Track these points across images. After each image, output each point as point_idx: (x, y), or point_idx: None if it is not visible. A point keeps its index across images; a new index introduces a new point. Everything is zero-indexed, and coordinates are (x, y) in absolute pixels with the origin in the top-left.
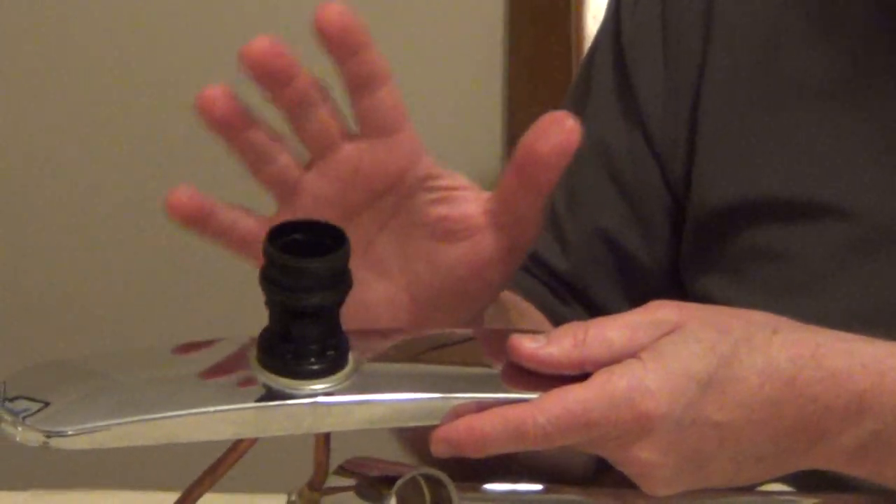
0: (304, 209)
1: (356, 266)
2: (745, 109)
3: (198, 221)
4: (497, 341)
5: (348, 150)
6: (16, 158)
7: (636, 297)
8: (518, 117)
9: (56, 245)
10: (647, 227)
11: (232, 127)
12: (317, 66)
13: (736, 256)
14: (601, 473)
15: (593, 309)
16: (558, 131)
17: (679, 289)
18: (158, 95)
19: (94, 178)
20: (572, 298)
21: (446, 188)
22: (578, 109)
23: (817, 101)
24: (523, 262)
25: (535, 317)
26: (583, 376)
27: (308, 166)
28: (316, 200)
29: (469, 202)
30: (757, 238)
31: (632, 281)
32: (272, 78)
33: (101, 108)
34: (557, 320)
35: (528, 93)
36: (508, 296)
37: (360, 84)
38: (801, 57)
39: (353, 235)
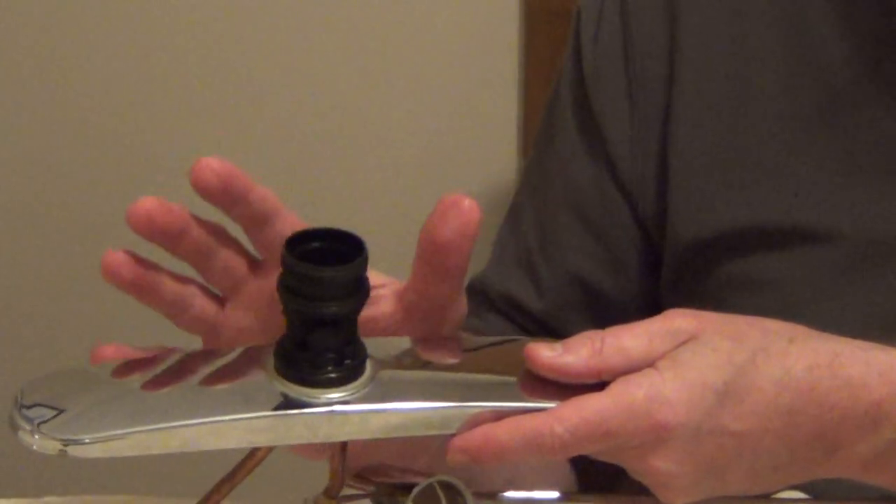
0: (230, 342)
1: None
2: (716, 140)
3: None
4: (514, 350)
5: (258, 280)
6: (16, 158)
7: None
8: (533, 121)
9: (64, 249)
10: (619, 266)
11: (141, 288)
12: (317, 67)
13: (716, 288)
14: (618, 481)
15: None
16: (456, 214)
17: None
18: (160, 95)
19: (97, 178)
20: (544, 333)
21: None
22: (547, 149)
23: (787, 126)
24: (496, 303)
25: None
26: (599, 385)
27: (223, 302)
28: (240, 332)
29: (385, 300)
30: (736, 268)
31: (606, 320)
32: (163, 235)
33: (102, 108)
34: None
35: (543, 97)
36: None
37: (254, 223)
38: (770, 84)
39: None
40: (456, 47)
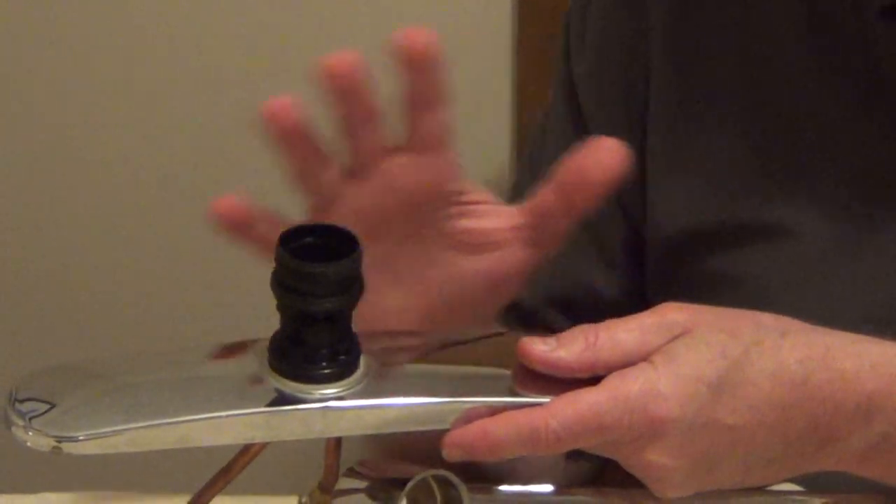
0: (339, 218)
1: (373, 272)
2: (690, 136)
3: (241, 229)
4: (508, 344)
5: (390, 164)
6: (17, 158)
7: None
8: (526, 117)
9: (62, 246)
10: (611, 263)
11: (290, 139)
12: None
13: (693, 284)
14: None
15: None
16: (610, 155)
17: None
18: (166, 94)
19: (100, 176)
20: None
21: (473, 202)
22: (540, 149)
23: (760, 123)
24: None
25: None
26: (593, 379)
27: (348, 175)
28: (351, 211)
29: (494, 217)
30: (712, 264)
31: (597, 316)
32: (345, 94)
33: (103, 107)
34: None
35: (536, 93)
36: None
37: (422, 101)
38: (741, 82)
39: (377, 243)
40: (449, 43)
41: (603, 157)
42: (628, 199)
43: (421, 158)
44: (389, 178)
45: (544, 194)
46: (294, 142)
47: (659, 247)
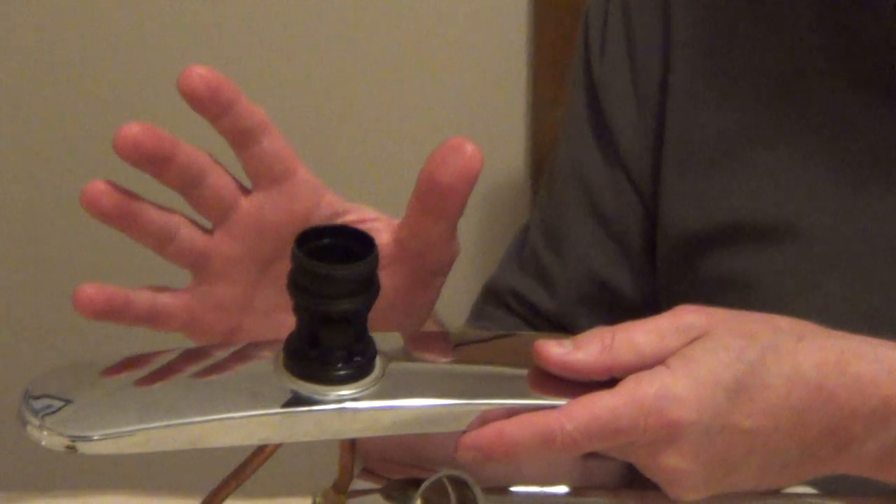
0: (218, 273)
1: (277, 308)
2: (704, 137)
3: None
4: (524, 346)
5: (247, 206)
6: (17, 158)
7: None
8: (542, 116)
9: (75, 244)
10: (633, 263)
11: (123, 218)
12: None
13: (702, 285)
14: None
15: None
16: (458, 158)
17: None
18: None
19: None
20: (555, 332)
21: (354, 223)
22: (563, 151)
23: (771, 124)
24: (508, 302)
25: None
26: (610, 382)
27: (212, 230)
28: (228, 262)
29: (378, 233)
30: (721, 265)
31: (618, 317)
32: (151, 160)
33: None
34: None
35: (551, 92)
36: None
37: (241, 139)
38: (755, 84)
39: (269, 286)
40: (464, 42)
41: (452, 162)
42: (650, 201)
43: (273, 192)
44: (251, 220)
45: (411, 205)
46: (125, 220)
47: (669, 248)
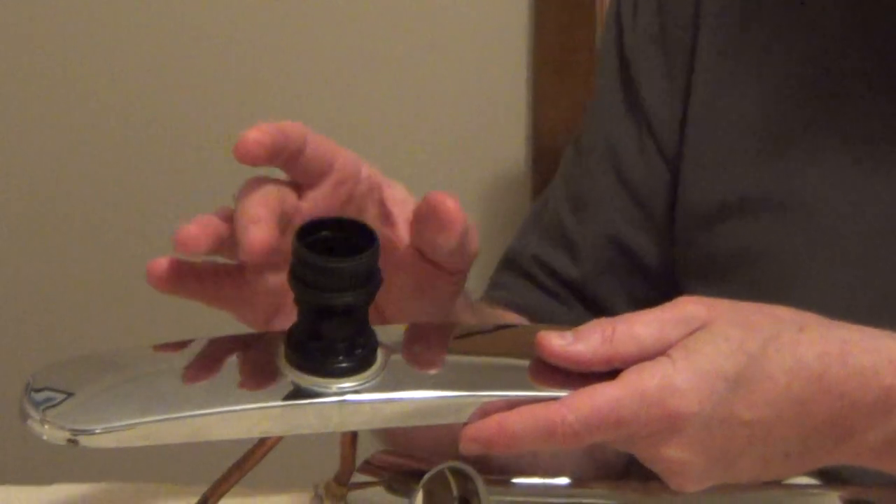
0: (273, 264)
1: None
2: (727, 111)
3: (182, 287)
4: (525, 338)
5: (304, 207)
6: (18, 158)
7: (642, 301)
8: (542, 112)
9: (77, 238)
10: (657, 231)
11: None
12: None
13: (717, 257)
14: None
15: (599, 312)
16: (440, 219)
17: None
18: (161, 96)
19: (102, 173)
20: (578, 302)
21: (383, 201)
22: (591, 119)
23: (795, 101)
24: (529, 270)
25: None
26: (611, 373)
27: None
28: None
29: (394, 226)
30: (737, 237)
31: (640, 285)
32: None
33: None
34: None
35: (552, 84)
36: (489, 310)
37: (287, 161)
38: (783, 60)
39: None
40: (465, 39)
41: (434, 224)
42: (676, 171)
43: (320, 186)
44: (306, 216)
45: (410, 240)
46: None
47: (686, 218)
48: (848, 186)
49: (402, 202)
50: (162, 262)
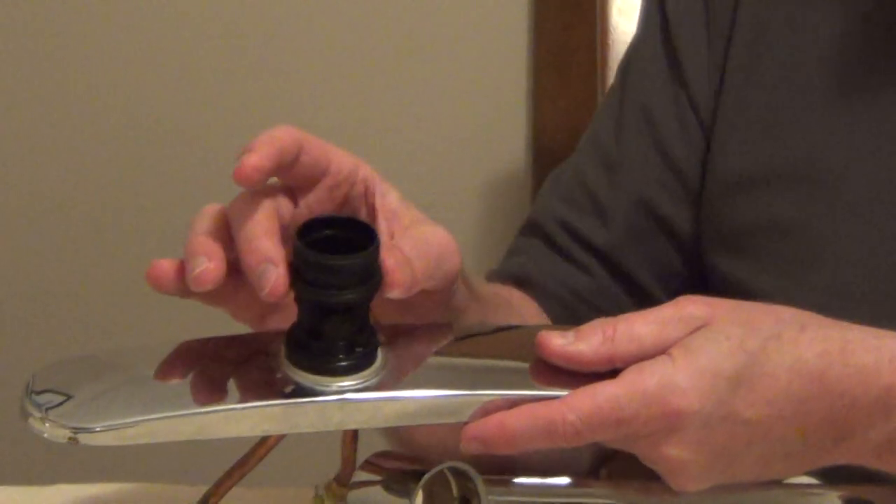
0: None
1: None
2: (761, 81)
3: (181, 290)
4: (525, 337)
5: (299, 212)
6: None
7: (666, 272)
8: (543, 111)
9: (76, 239)
10: (690, 196)
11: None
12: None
13: (745, 230)
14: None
15: (622, 279)
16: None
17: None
18: (162, 96)
19: (102, 174)
20: (601, 269)
21: (377, 207)
22: (623, 89)
23: (831, 77)
24: (554, 236)
25: (528, 311)
26: (612, 372)
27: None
28: None
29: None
30: (764, 209)
31: (667, 254)
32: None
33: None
34: (578, 296)
35: (552, 84)
36: (494, 291)
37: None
38: (814, 34)
39: None
40: (465, 38)
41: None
42: (711, 139)
43: (315, 190)
44: (303, 219)
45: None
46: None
47: (716, 188)
48: (879, 161)
49: (391, 213)
50: (162, 265)
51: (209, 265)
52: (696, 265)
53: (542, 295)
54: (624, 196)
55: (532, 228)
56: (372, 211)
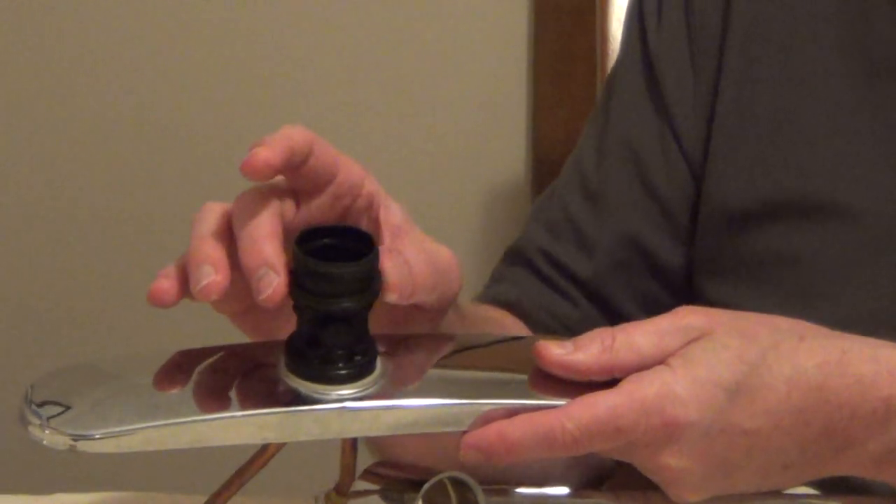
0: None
1: None
2: (759, 111)
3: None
4: (524, 347)
5: (300, 219)
6: (19, 158)
7: (651, 302)
8: (542, 117)
9: (75, 245)
10: (676, 231)
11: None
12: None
13: (749, 260)
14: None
15: (607, 311)
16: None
17: (692, 293)
18: (162, 96)
19: (102, 178)
20: (585, 299)
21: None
22: (606, 117)
23: (831, 101)
24: (537, 265)
25: (520, 332)
26: (610, 382)
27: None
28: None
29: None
30: (770, 241)
31: (652, 286)
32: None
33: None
34: (564, 325)
35: (552, 93)
36: (485, 313)
37: (291, 171)
38: (816, 59)
39: None
40: (465, 43)
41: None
42: (700, 172)
43: (319, 197)
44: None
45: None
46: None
47: (713, 220)
48: (883, 190)
49: (395, 228)
50: (162, 285)
51: (216, 277)
52: (683, 296)
53: (530, 321)
54: (608, 230)
55: (516, 257)
56: (375, 225)
